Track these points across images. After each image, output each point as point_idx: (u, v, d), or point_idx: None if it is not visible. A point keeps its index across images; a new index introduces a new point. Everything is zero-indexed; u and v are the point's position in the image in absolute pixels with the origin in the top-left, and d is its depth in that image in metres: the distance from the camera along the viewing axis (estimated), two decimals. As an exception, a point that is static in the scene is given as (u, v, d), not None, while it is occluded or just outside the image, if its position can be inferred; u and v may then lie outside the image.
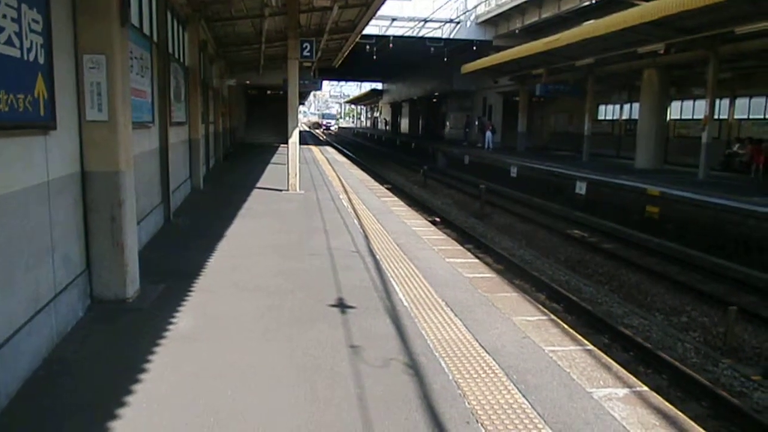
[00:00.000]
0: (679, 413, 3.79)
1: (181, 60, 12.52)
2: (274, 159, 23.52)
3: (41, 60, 4.05)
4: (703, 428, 4.00)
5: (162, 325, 4.89)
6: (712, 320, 8.74)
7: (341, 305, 5.59)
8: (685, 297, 9.68)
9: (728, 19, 14.43)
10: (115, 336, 4.75)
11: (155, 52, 9.02)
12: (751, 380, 6.69)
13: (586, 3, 23.11)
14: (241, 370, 4.15)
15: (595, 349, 4.91)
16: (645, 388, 4.19)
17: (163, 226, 9.30)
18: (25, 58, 3.78)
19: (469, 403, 3.72)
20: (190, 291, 5.91)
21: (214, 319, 5.17)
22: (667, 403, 3.92)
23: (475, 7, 31.08)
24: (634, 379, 4.35)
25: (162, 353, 4.36)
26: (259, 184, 15.01)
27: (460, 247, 9.27)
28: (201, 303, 5.59)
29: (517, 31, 29.30)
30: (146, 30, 8.45)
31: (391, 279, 6.55)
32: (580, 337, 5.14)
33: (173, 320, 5.05)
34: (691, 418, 3.80)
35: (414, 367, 4.22)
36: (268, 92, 34.62)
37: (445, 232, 11.56)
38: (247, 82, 29.66)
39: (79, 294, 5.04)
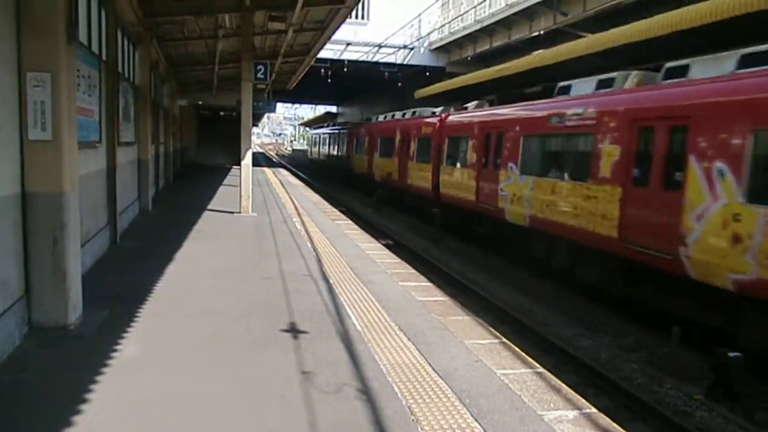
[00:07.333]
0: (627, 434, 3.87)
1: (131, 79, 12.28)
2: (226, 180, 23.19)
3: (-19, 77, 3.90)
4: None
5: (105, 353, 4.71)
6: (658, 340, 8.98)
7: (293, 330, 5.51)
8: (631, 318, 9.93)
9: (671, 52, 15.14)
10: (55, 364, 4.53)
11: (104, 70, 8.83)
12: (694, 399, 6.89)
13: (535, 33, 23.87)
14: (188, 398, 4.02)
15: (545, 371, 4.98)
16: (594, 409, 4.26)
17: (108, 249, 9.00)
18: (-36, 74, 3.64)
19: (422, 429, 3.70)
20: (136, 316, 5.71)
21: (161, 346, 5.01)
22: (615, 424, 4.00)
23: (428, 34, 31.70)
24: (584, 401, 4.43)
25: (105, 382, 4.19)
26: (210, 206, 14.75)
27: (414, 271, 9.31)
28: (147, 329, 5.41)
29: (469, 59, 29.96)
30: (95, 48, 8.27)
31: (344, 303, 6.50)
32: (531, 359, 5.21)
33: (118, 347, 4.87)
34: (637, 438, 3.89)
35: (367, 393, 4.18)
36: (221, 113, 34.24)
37: (399, 255, 11.59)
38: (200, 102, 29.30)
39: (16, 321, 4.81)
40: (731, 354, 6.80)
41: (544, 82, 15.30)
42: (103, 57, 8.94)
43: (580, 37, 17.82)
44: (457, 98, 30.03)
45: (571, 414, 4.16)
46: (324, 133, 44.99)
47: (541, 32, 23.30)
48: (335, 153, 37.77)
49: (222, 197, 16.98)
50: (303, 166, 50.52)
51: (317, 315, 6.04)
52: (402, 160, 21.48)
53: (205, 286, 7.07)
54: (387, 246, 13.43)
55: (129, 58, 11.99)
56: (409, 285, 7.71)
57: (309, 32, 16.08)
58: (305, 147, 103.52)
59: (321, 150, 45.25)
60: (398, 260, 10.56)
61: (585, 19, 19.77)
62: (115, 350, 4.80)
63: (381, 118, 27.84)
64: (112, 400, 3.91)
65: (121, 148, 10.26)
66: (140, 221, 12.24)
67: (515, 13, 24.04)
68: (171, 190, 19.79)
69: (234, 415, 3.82)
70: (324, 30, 15.19)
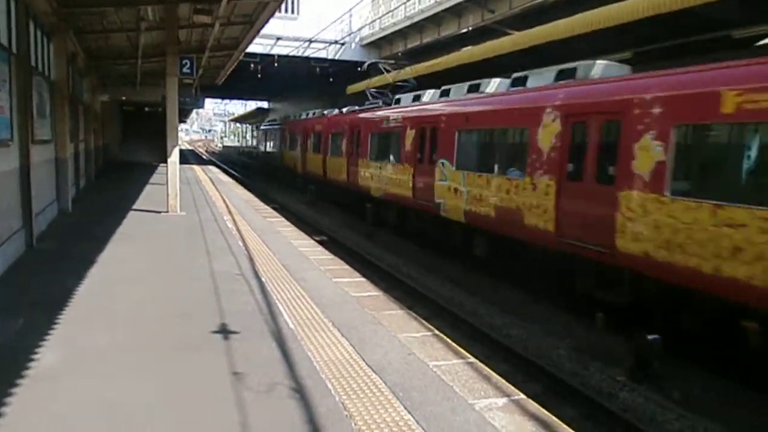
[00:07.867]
0: (554, 418, 4.01)
1: (47, 73, 11.64)
2: (152, 179, 22.36)
3: None
4: (576, 430, 4.26)
5: (21, 363, 4.44)
6: (584, 326, 9.35)
7: (224, 331, 5.39)
8: (559, 306, 10.30)
9: (589, 51, 15.78)
10: (-37, 378, 4.25)
11: (14, 64, 8.32)
12: (617, 381, 7.22)
13: (464, 30, 24.32)
14: (114, 406, 3.86)
15: (476, 361, 5.09)
16: (522, 395, 4.40)
17: (24, 253, 8.52)
18: None
19: (355, 424, 3.70)
20: (56, 323, 5.43)
21: (83, 353, 4.79)
22: (543, 409, 4.14)
23: (360, 29, 31.76)
24: (513, 388, 4.56)
25: (22, 394, 3.96)
26: (135, 206, 14.19)
27: (347, 267, 9.30)
28: (67, 336, 5.16)
29: (400, 54, 30.20)
30: (3, 40, 7.78)
31: (277, 301, 6.42)
32: (462, 350, 5.31)
33: (35, 357, 4.61)
34: (565, 421, 4.04)
35: (300, 391, 4.14)
36: (146, 109, 33.05)
37: (332, 252, 11.55)
38: (123, 98, 28.16)
39: None
40: (650, 336, 7.17)
41: (473, 77, 15.54)
42: (14, 50, 8.42)
43: (507, 34, 18.29)
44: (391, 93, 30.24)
45: (501, 401, 4.27)
46: (284, 128, 30.76)
47: (470, 29, 23.77)
48: (317, 158, 23.95)
49: (148, 196, 16.37)
50: (233, 163, 49.50)
51: (249, 314, 5.93)
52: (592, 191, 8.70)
53: (130, 289, 6.81)
54: (320, 242, 13.36)
55: (43, 51, 11.36)
56: (343, 281, 7.70)
57: (237, 26, 15.72)
58: (236, 143, 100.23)
59: (287, 152, 29.50)
60: (331, 256, 10.53)
61: (512, 17, 20.32)
62: (31, 360, 4.54)
63: (426, 95, 15.54)
64: (31, 413, 3.71)
65: (36, 147, 9.71)
66: (59, 222, 11.64)
67: (444, 10, 24.44)
68: (93, 189, 18.92)
69: (163, 421, 3.70)
70: (253, 24, 14.89)
